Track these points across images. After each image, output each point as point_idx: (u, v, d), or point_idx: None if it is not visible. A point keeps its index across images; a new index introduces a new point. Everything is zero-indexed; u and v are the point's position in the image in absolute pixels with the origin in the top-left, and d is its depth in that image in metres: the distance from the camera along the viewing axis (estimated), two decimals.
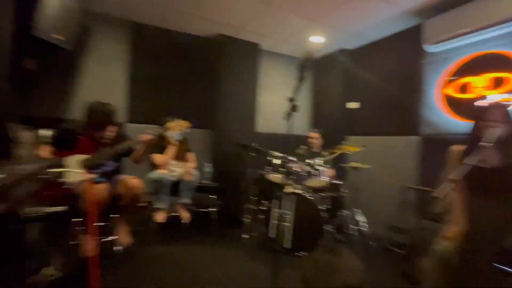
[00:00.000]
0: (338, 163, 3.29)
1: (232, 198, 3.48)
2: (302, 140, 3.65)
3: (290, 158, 2.76)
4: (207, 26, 3.39)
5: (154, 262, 2.19)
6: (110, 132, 2.05)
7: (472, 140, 1.46)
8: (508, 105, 1.49)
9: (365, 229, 2.91)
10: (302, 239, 2.45)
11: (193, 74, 3.67)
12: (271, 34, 3.53)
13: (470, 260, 1.29)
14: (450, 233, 1.48)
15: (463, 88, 2.56)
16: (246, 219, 2.94)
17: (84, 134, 1.99)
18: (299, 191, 2.52)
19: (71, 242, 1.94)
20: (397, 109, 3.19)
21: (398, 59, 3.23)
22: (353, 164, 2.88)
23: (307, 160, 2.79)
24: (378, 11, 2.80)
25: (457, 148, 1.56)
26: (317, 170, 2.72)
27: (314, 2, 2.70)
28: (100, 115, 1.94)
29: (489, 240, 1.35)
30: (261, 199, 3.16)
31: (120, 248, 2.04)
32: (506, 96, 2.25)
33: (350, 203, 3.00)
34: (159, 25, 3.41)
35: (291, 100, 1.30)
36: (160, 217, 2.56)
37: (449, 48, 2.65)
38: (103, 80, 3.18)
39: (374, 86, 3.51)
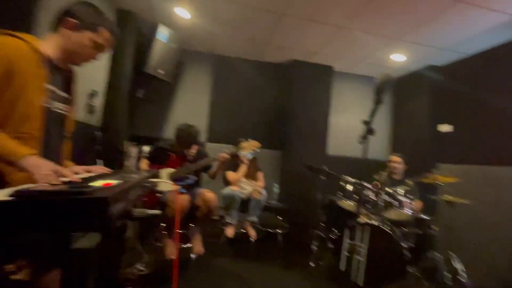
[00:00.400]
0: (426, 195, 2.82)
1: (299, 221, 3.38)
2: (380, 165, 3.31)
3: (366, 184, 2.53)
4: (281, 54, 3.59)
5: (221, 274, 2.28)
6: (193, 150, 2.34)
7: None
8: None
9: (464, 279, 2.35)
10: (378, 278, 2.15)
11: (268, 97, 3.89)
12: (345, 56, 3.47)
13: None
14: None
15: None
16: (314, 246, 2.78)
17: (173, 151, 2.33)
18: (375, 223, 2.26)
19: (157, 244, 2.24)
20: (508, 132, 2.58)
21: (507, 73, 2.66)
22: (446, 198, 2.42)
23: (387, 189, 2.50)
24: (478, 21, 2.42)
25: None
26: (399, 200, 2.39)
27: (395, 21, 2.56)
28: (187, 136, 2.25)
29: None
30: (331, 226, 2.96)
31: (194, 256, 2.22)
32: None
33: (442, 244, 2.50)
34: (237, 55, 3.80)
35: (367, 123, 1.22)
36: (229, 231, 2.69)
37: None
38: (190, 105, 3.70)
39: (473, 105, 2.96)
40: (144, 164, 2.32)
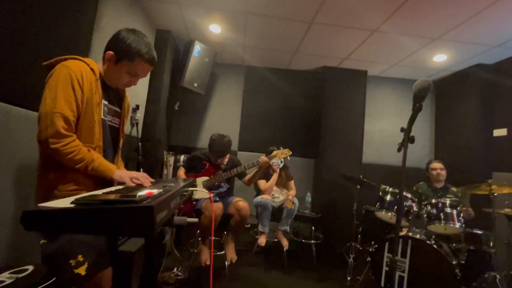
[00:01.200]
0: (480, 207, 2.54)
1: (333, 232, 3.25)
2: (421, 173, 3.08)
3: (406, 194, 2.37)
4: (312, 61, 3.58)
5: (253, 284, 2.28)
6: (226, 158, 2.41)
7: None
8: None
9: None
10: None
11: (299, 105, 3.88)
12: (379, 60, 3.33)
13: None
14: None
15: None
16: (351, 259, 2.65)
17: (207, 160, 2.42)
18: (418, 236, 2.09)
19: (193, 250, 2.32)
20: None
21: None
22: (506, 211, 2.15)
23: (433, 200, 2.30)
24: None
25: None
26: (445, 212, 2.19)
27: (432, 20, 2.40)
28: (220, 145, 2.32)
29: None
30: (368, 239, 2.80)
31: (227, 263, 2.26)
32: None
33: (502, 263, 2.21)
34: (267, 65, 3.87)
35: (405, 130, 1.15)
36: (261, 240, 2.68)
37: None
38: (223, 115, 3.83)
39: None
40: (182, 172, 2.45)
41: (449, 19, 2.37)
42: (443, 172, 2.76)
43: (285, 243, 2.74)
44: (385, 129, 3.70)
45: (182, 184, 0.99)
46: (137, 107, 2.73)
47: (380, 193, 2.47)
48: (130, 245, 1.01)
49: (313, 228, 3.00)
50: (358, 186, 2.85)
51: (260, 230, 2.74)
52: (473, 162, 3.05)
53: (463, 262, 2.22)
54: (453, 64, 3.20)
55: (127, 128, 2.64)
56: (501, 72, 2.99)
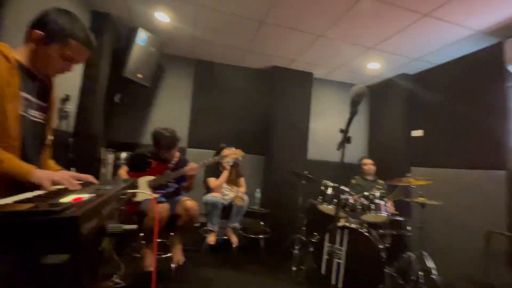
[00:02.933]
0: (401, 197, 2.96)
1: (281, 226, 3.40)
2: (357, 169, 3.44)
3: (344, 188, 2.61)
4: (262, 59, 3.64)
5: (203, 283, 2.24)
6: (174, 156, 2.29)
7: None
8: None
9: (435, 277, 2.47)
10: (357, 280, 2.21)
11: (250, 103, 3.90)
12: (324, 63, 3.57)
13: None
14: None
15: None
16: (296, 251, 2.81)
17: (152, 157, 2.27)
18: (354, 226, 2.33)
19: (135, 255, 2.16)
20: (474, 138, 2.78)
21: (473, 83, 2.87)
22: (419, 199, 2.55)
23: (365, 193, 2.59)
24: (444, 34, 2.60)
25: None
26: (376, 203, 2.49)
27: (370, 31, 2.68)
28: (166, 141, 2.18)
29: None
30: (312, 230, 3.01)
31: (174, 265, 2.17)
32: None
33: (416, 244, 2.62)
34: (219, 61, 3.80)
35: (343, 131, 1.27)
36: (211, 239, 2.65)
37: None
38: (171, 110, 3.63)
39: (443, 112, 3.15)
40: (123, 171, 2.24)
41: (382, 31, 2.67)
42: (373, 167, 3.24)
43: (234, 239, 2.76)
44: (327, 128, 4.00)
45: (121, 185, 0.90)
46: (68, 97, 2.39)
47: (322, 188, 2.67)
48: (56, 257, 0.87)
49: (262, 223, 3.09)
50: (304, 182, 3.03)
51: (210, 228, 2.70)
52: (397, 158, 3.53)
53: (387, 245, 2.56)
54: (384, 72, 3.63)
55: (54, 122, 2.29)
56: (419, 82, 3.52)
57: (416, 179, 2.57)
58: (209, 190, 2.87)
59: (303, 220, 3.11)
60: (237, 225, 2.81)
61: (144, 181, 2.16)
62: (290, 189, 3.50)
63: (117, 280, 1.88)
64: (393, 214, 2.67)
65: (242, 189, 2.97)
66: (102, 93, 2.89)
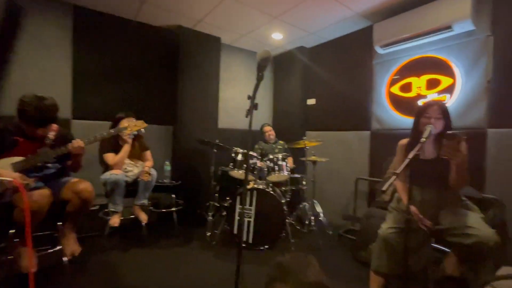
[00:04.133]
0: (298, 158, 3.42)
1: (194, 196, 3.40)
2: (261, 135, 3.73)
3: (252, 153, 2.78)
4: (165, 17, 3.20)
5: (110, 269, 2.04)
6: (51, 130, 1.82)
7: (413, 135, 1.62)
8: (444, 103, 1.68)
9: (322, 219, 3.09)
10: (265, 233, 2.51)
11: (150, 66, 3.45)
12: (232, 28, 3.47)
13: (410, 240, 1.46)
14: (394, 218, 1.65)
15: (406, 88, 2.84)
16: (210, 217, 2.90)
17: (20, 133, 1.74)
18: (261, 186, 2.56)
19: (8, 257, 1.71)
20: (351, 106, 3.41)
21: (352, 59, 3.44)
22: (312, 158, 3.02)
23: (270, 156, 2.84)
24: (333, 12, 2.93)
25: (403, 142, 1.72)
26: (279, 165, 2.79)
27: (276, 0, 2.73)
28: (38, 110, 1.68)
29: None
30: (224, 196, 3.15)
31: (67, 258, 1.85)
32: (441, 95, 2.55)
33: (309, 195, 3.15)
34: (107, 11, 3.11)
35: (251, 98, 1.29)
36: (114, 221, 2.38)
37: (395, 50, 2.90)
38: (43, 70, 2.80)
39: (330, 83, 3.70)
40: None
41: (284, 1, 2.76)
42: (272, 132, 3.64)
43: (143, 217, 2.57)
44: (236, 97, 4.06)
45: None
46: None
47: (233, 155, 2.77)
48: None
49: (173, 196, 2.98)
50: (215, 150, 3.05)
51: (112, 209, 2.41)
52: (295, 124, 3.99)
53: (288, 199, 2.97)
54: (286, 43, 3.87)
55: None
56: (314, 55, 3.95)
57: (310, 141, 3.00)
58: (107, 167, 2.50)
59: (216, 187, 3.19)
60: (145, 202, 2.61)
61: (8, 163, 1.66)
62: (202, 158, 3.47)
63: None
64: (292, 170, 3.10)
65: (149, 163, 2.72)
66: None
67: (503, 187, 2.16)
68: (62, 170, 1.93)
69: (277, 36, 3.61)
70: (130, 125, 2.14)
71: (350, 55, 3.46)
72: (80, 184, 1.82)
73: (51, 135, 1.83)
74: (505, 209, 2.13)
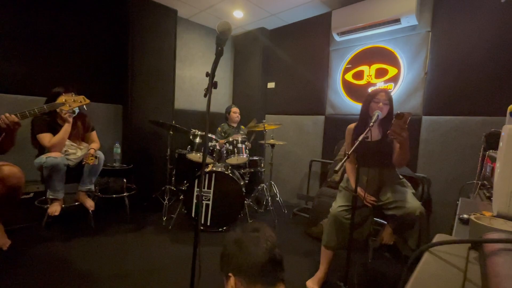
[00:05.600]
0: (257, 141, 3.46)
1: (148, 181, 3.22)
2: (222, 117, 3.64)
3: (211, 136, 2.72)
4: None
5: (50, 261, 1.84)
6: None
7: (362, 120, 1.75)
8: (389, 91, 1.84)
9: (278, 199, 3.23)
10: (223, 215, 2.52)
11: (95, 36, 3.03)
12: (190, 1, 3.22)
13: (356, 216, 1.61)
14: (344, 197, 1.79)
15: (358, 75, 3.03)
16: (166, 201, 2.79)
17: None
18: (219, 169, 2.54)
19: None
20: (308, 91, 3.52)
21: (311, 44, 3.51)
22: (270, 141, 3.08)
23: (230, 138, 2.81)
24: None
25: (352, 126, 1.85)
26: (238, 147, 2.78)
27: None
28: None
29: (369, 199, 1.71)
30: (181, 180, 3.05)
31: None
32: (387, 84, 2.78)
33: (266, 177, 3.24)
34: None
35: (210, 75, 1.22)
36: (53, 209, 2.13)
37: (350, 39, 3.04)
38: None
39: (289, 68, 3.74)
40: None
41: None
42: (238, 116, 3.50)
43: (89, 203, 2.36)
44: (194, 76, 3.86)
45: None
46: None
47: (191, 137, 2.66)
48: None
49: (124, 180, 2.78)
50: (171, 132, 2.90)
51: (51, 197, 2.15)
52: (255, 107, 3.99)
53: (247, 181, 3.01)
54: (247, 23, 3.76)
55: None
56: (274, 38, 3.92)
57: (269, 124, 3.04)
58: (42, 150, 2.19)
59: (172, 171, 3.07)
60: (91, 187, 2.39)
61: None
62: (156, 140, 3.28)
63: None
64: (251, 155, 3.12)
65: (95, 145, 2.45)
66: None
67: (431, 167, 2.50)
68: None
69: (238, 14, 3.47)
70: (69, 101, 1.88)
71: (309, 41, 3.52)
72: (5, 168, 1.56)
73: None
74: (431, 186, 2.49)
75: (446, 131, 2.43)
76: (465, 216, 0.90)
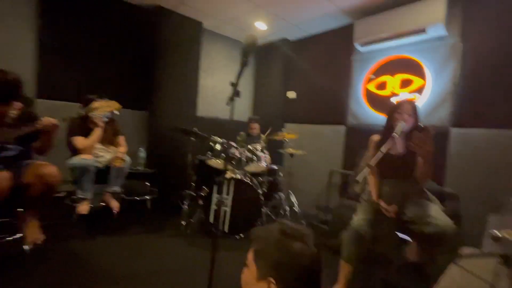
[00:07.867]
0: (276, 149, 3.46)
1: (169, 185, 3.32)
2: (243, 126, 3.70)
3: (231, 143, 2.77)
4: None
5: (75, 257, 1.95)
6: (15, 108, 1.66)
7: (386, 131, 1.71)
8: (415, 102, 1.79)
9: (296, 209, 3.19)
10: (241, 222, 2.53)
11: (125, 47, 3.25)
12: (214, 14, 3.37)
13: (378, 230, 1.56)
14: (365, 209, 1.74)
15: (381, 86, 2.97)
16: (185, 206, 2.86)
17: None
18: (239, 176, 2.57)
19: None
20: (329, 100, 3.50)
21: (332, 55, 3.51)
22: (289, 150, 3.07)
23: (249, 146, 2.84)
24: (317, 6, 2.95)
25: (375, 137, 1.81)
26: (257, 155, 2.80)
27: None
28: None
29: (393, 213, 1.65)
30: (201, 185, 3.11)
31: (28, 247, 1.74)
32: (412, 95, 2.70)
33: (285, 186, 3.22)
34: None
35: (233, 85, 1.27)
36: (82, 208, 2.26)
37: (373, 49, 3.00)
38: (3, 44, 2.53)
39: (310, 77, 3.75)
40: None
41: None
42: (258, 129, 3.51)
43: (115, 205, 2.47)
44: (216, 85, 3.99)
45: None
46: None
47: (211, 144, 2.73)
48: None
49: (147, 184, 2.89)
50: (193, 139, 2.99)
51: (80, 196, 2.29)
52: (275, 115, 4.02)
53: (265, 190, 3.01)
54: (269, 34, 3.84)
55: None
56: (295, 48, 3.97)
57: (288, 133, 3.05)
58: (75, 152, 2.35)
59: (193, 176, 3.14)
60: (117, 189, 2.51)
61: None
62: (178, 146, 3.39)
63: None
64: (270, 164, 3.12)
65: (122, 148, 2.60)
66: None
67: (460, 182, 2.36)
68: (25, 153, 1.78)
69: (260, 25, 3.57)
70: (102, 106, 2.02)
71: (331, 51, 3.52)
72: (44, 168, 1.70)
73: (13, 113, 1.67)
74: (460, 203, 2.34)
75: (478, 144, 2.30)
76: (496, 232, 0.85)
